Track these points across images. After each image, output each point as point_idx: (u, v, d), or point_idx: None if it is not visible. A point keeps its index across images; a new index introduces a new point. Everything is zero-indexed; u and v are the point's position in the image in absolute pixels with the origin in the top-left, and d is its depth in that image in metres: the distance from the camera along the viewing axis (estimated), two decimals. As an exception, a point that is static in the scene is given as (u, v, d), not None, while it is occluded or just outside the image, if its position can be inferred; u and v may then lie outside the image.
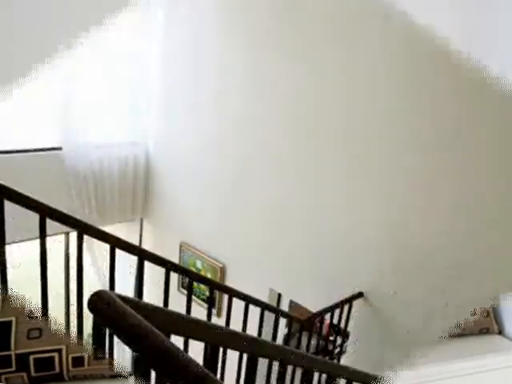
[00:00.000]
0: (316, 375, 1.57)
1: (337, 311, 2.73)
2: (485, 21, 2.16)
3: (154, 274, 2.80)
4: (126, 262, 4.30)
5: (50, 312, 1.71)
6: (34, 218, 1.59)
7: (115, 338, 1.62)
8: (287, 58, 3.00)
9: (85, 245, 1.86)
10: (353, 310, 2.82)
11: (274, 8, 3.04)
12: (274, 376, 1.65)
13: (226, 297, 3.32)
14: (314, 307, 2.96)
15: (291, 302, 3.80)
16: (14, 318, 1.76)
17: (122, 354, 4.66)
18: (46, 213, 1.59)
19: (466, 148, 2.27)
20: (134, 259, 2.08)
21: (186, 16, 3.75)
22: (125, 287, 4.43)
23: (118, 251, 1.86)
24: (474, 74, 2.05)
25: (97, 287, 3.53)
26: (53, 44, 3.38)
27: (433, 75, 2.35)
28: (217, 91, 3.57)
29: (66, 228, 1.68)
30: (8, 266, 1.57)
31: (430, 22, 2.15)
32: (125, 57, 3.93)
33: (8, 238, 1.53)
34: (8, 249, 1.59)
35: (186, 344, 1.83)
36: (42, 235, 1.60)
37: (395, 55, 2.49)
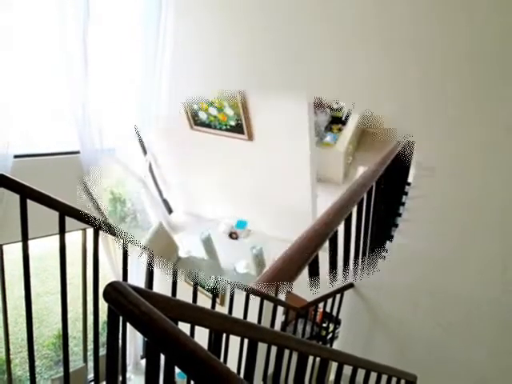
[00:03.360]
0: (310, 359, 1.57)
1: (329, 300, 2.73)
2: None
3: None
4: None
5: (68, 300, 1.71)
6: (54, 215, 1.59)
7: (128, 325, 1.62)
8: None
9: (100, 240, 1.86)
10: (344, 299, 2.82)
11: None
12: (272, 359, 1.64)
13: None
14: (308, 297, 2.95)
15: (288, 292, 3.80)
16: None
17: (134, 339, 4.66)
18: (65, 211, 1.59)
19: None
20: (145, 253, 2.08)
21: (195, 25, 3.75)
22: (136, 278, 4.43)
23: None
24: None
25: (111, 278, 3.52)
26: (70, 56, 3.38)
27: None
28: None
29: (83, 225, 1.68)
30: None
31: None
32: (135, 66, 3.93)
33: (30, 234, 1.53)
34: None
35: (192, 330, 1.83)
36: (62, 231, 1.61)
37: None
